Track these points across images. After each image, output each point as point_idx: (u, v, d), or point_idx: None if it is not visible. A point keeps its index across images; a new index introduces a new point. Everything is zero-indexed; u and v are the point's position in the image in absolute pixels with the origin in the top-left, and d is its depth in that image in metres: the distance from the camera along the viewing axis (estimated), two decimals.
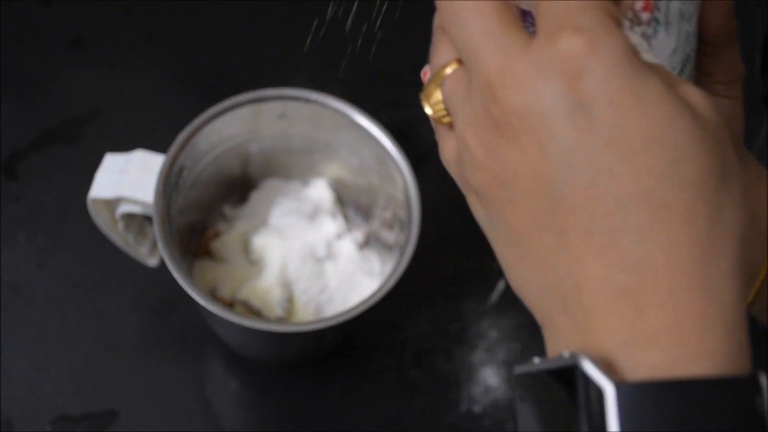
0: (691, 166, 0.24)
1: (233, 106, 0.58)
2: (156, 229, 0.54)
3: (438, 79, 0.30)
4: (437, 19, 0.31)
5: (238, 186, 0.64)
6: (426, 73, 0.35)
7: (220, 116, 0.58)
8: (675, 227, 0.24)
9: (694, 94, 0.26)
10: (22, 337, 0.66)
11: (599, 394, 0.23)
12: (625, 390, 0.23)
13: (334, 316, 0.53)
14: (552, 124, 0.25)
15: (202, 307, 0.53)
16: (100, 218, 0.59)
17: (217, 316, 0.52)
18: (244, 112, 0.58)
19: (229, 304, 0.60)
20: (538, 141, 0.26)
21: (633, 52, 0.26)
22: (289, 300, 0.60)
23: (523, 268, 0.27)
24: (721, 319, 0.24)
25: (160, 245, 0.53)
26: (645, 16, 0.34)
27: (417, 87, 0.34)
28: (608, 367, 0.23)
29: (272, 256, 0.60)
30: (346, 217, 0.64)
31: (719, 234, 0.24)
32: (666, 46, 0.35)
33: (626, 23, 0.33)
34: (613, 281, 0.24)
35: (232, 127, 0.59)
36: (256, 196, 0.64)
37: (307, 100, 0.59)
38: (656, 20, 0.34)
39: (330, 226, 0.63)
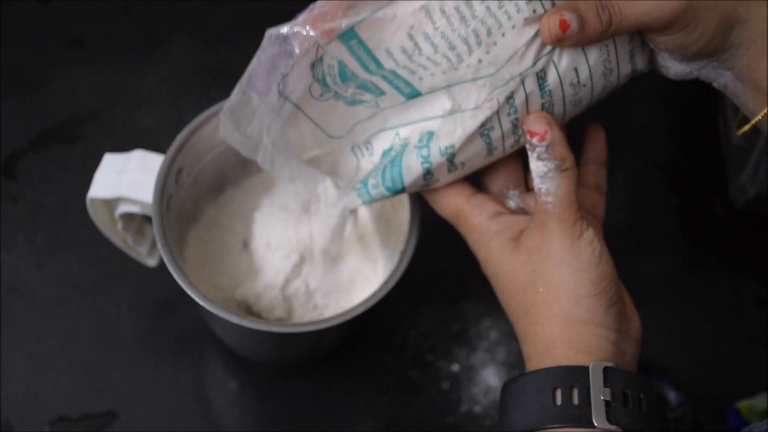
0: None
1: None
2: (155, 229, 0.54)
3: None
4: None
5: (238, 186, 0.64)
6: None
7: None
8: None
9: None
10: (21, 337, 0.66)
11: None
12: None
13: (334, 316, 0.53)
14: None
15: (202, 308, 0.53)
16: (99, 218, 0.59)
17: (216, 316, 0.52)
18: None
19: (228, 304, 0.60)
20: None
21: None
22: (289, 300, 0.60)
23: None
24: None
25: (159, 245, 0.53)
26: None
27: None
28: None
29: (272, 256, 0.60)
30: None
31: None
32: None
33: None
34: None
35: None
36: (256, 196, 0.64)
37: None
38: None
39: (330, 226, 0.63)
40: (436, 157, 0.46)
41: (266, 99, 0.44)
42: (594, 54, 0.44)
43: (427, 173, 0.47)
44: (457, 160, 0.46)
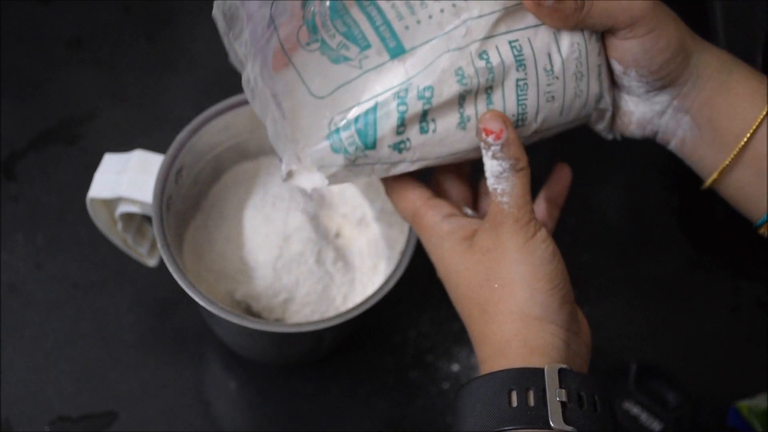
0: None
1: (233, 105, 0.58)
2: (155, 229, 0.54)
3: None
4: None
5: (230, 177, 0.64)
6: None
7: (219, 116, 0.58)
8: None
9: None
10: (20, 337, 0.66)
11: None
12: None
13: (334, 316, 0.53)
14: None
15: (202, 308, 0.53)
16: (99, 218, 0.59)
17: (216, 316, 0.52)
18: (244, 111, 0.58)
19: (228, 305, 0.60)
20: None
21: None
22: (288, 300, 0.60)
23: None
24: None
25: (159, 245, 0.53)
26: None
27: None
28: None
29: (271, 256, 0.60)
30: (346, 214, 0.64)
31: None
32: None
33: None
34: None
35: (232, 127, 0.59)
36: (255, 196, 0.64)
37: None
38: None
39: (329, 226, 0.63)
40: (413, 100, 0.45)
41: (256, 15, 0.44)
42: (566, 45, 0.45)
43: (401, 125, 0.46)
44: (431, 116, 0.46)
